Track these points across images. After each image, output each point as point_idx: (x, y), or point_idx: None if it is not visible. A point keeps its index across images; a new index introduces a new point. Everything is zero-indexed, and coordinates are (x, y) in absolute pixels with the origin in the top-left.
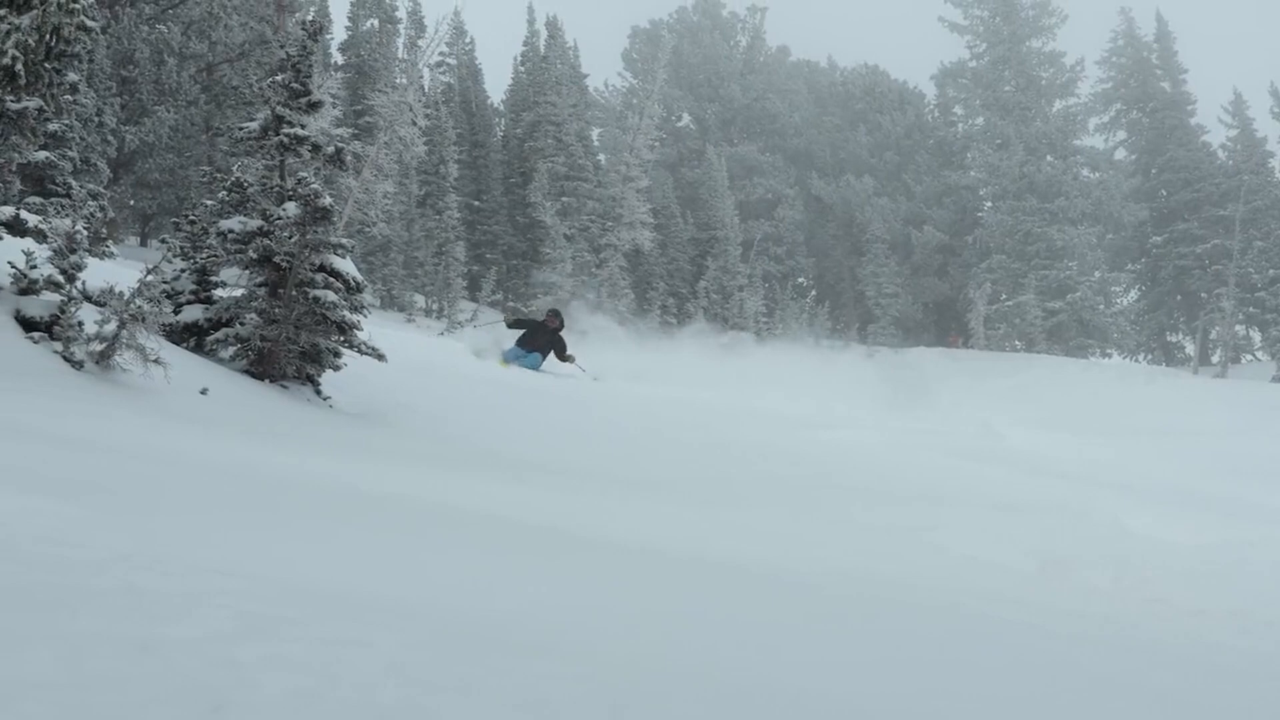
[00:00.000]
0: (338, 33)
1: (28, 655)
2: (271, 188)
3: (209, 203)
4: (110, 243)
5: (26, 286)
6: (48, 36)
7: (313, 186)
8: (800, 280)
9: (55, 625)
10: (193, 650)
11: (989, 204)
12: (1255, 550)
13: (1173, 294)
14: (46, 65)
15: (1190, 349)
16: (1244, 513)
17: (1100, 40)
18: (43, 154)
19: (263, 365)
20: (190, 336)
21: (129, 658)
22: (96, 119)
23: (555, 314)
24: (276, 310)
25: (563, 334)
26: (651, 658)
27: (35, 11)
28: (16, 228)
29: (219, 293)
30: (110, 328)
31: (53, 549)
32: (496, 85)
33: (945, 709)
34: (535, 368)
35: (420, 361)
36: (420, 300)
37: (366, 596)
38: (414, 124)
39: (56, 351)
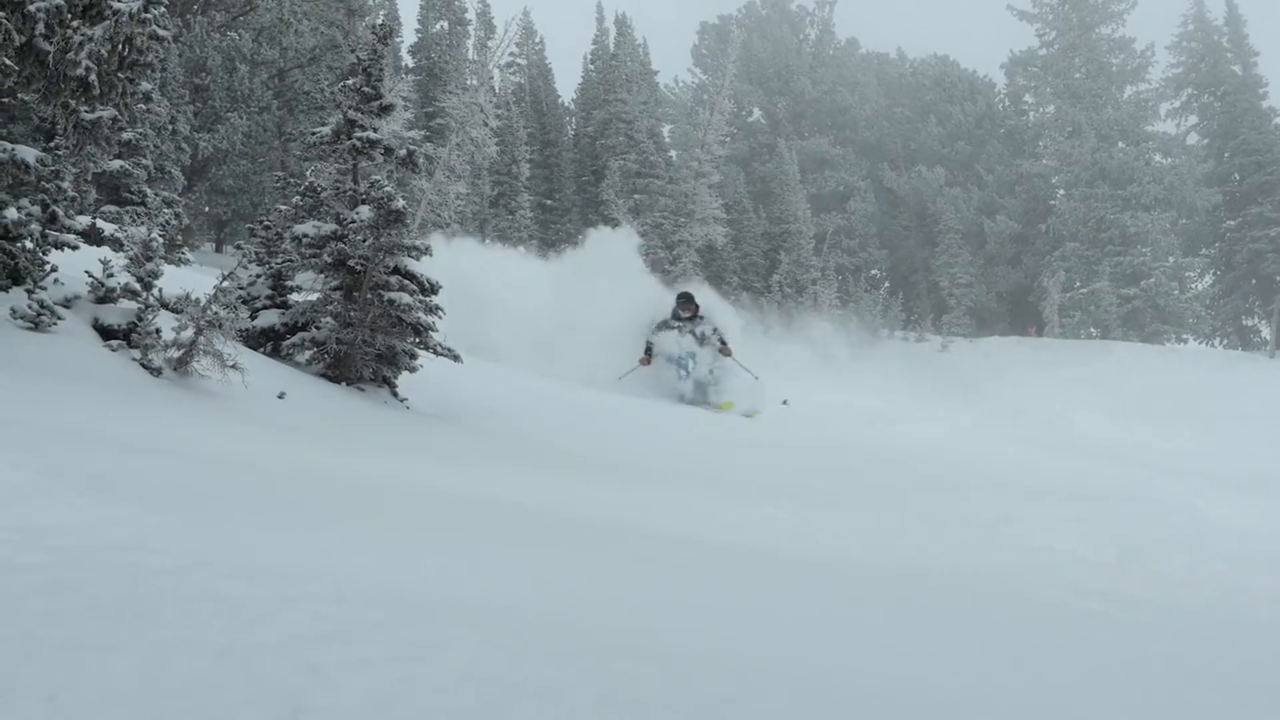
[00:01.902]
0: (408, 35)
1: (109, 664)
2: (345, 191)
3: (283, 208)
4: (186, 249)
5: (104, 295)
6: (120, 46)
7: (385, 189)
8: (874, 272)
9: (137, 634)
10: (272, 655)
11: (1061, 192)
12: None
13: (1247, 278)
14: (120, 75)
15: (1266, 333)
16: None
17: (1170, 25)
18: (118, 163)
19: (339, 368)
20: (267, 341)
21: (209, 663)
22: (170, 127)
23: (686, 299)
24: (352, 313)
25: (704, 318)
26: (730, 654)
27: (108, 22)
28: (93, 237)
29: (294, 297)
30: (187, 334)
31: (134, 557)
32: (567, 84)
33: (1023, 701)
34: (687, 373)
35: (494, 365)
36: None
37: (445, 598)
38: (485, 125)
39: (134, 359)
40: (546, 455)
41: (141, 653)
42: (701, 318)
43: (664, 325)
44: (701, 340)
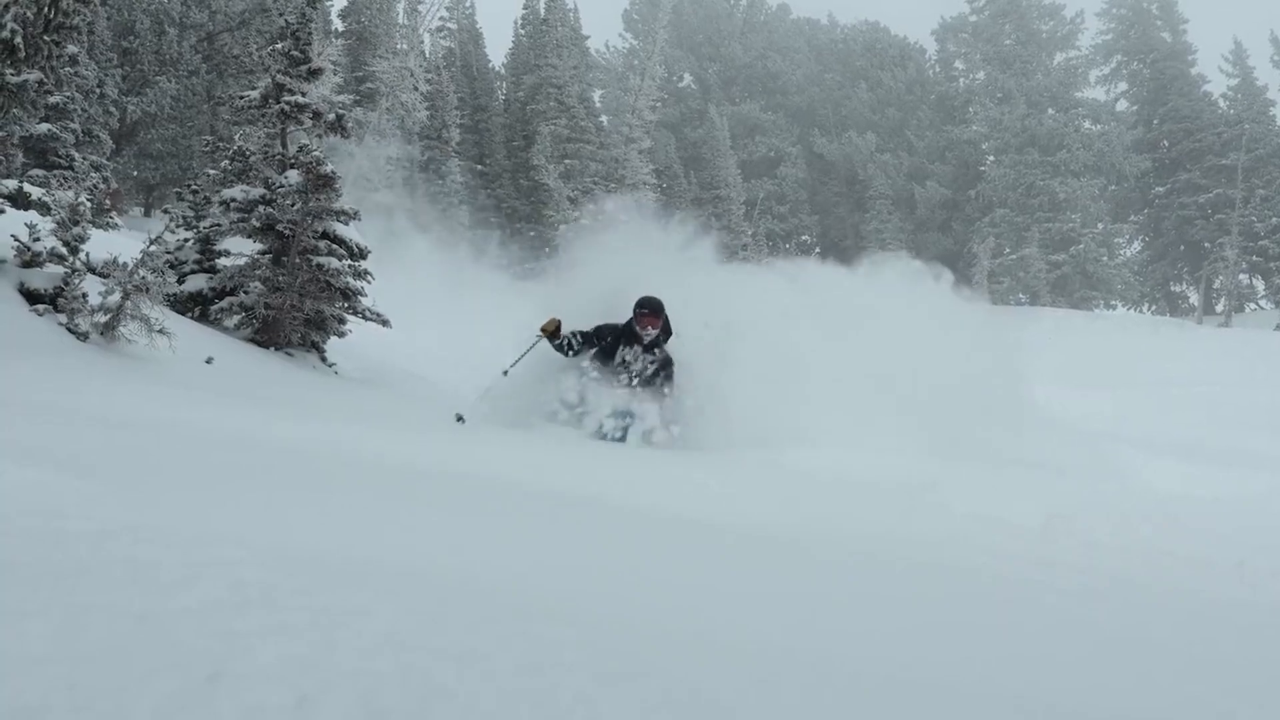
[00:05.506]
0: None
1: (24, 629)
2: (273, 156)
3: (211, 172)
4: (114, 214)
5: (30, 259)
6: (46, 9)
7: (314, 154)
8: (804, 238)
9: (54, 599)
10: (191, 621)
11: (991, 158)
12: (1262, 501)
13: (1176, 244)
14: (46, 38)
15: (1194, 299)
16: (1250, 464)
17: None
18: (45, 126)
19: (267, 333)
20: (195, 306)
21: (126, 629)
22: (98, 90)
23: (649, 306)
24: (280, 278)
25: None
26: (641, 617)
27: None
28: (20, 200)
29: (223, 262)
30: (114, 299)
31: (56, 523)
32: (497, 49)
33: (948, 666)
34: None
35: (427, 329)
36: None
37: (369, 563)
38: (415, 89)
39: (61, 324)
40: (476, 418)
41: (57, 618)
42: (661, 349)
43: (617, 340)
44: (647, 382)
